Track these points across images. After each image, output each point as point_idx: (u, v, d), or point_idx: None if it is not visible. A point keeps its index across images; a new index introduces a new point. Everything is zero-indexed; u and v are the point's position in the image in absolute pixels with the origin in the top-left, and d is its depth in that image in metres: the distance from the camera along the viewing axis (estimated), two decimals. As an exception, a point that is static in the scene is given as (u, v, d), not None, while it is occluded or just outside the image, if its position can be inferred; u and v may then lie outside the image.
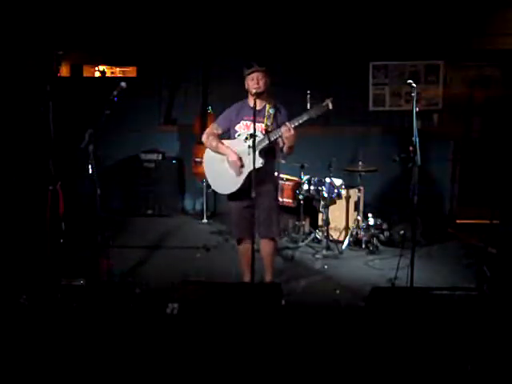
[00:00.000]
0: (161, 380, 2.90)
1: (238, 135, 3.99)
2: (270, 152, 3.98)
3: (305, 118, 3.73)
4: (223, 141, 4.09)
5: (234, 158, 3.93)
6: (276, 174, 4.29)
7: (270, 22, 6.64)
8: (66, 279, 3.98)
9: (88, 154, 3.57)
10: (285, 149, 3.92)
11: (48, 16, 6.24)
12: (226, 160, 4.01)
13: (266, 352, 2.85)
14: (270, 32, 6.65)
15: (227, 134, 4.12)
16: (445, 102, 6.78)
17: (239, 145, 3.96)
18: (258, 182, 3.84)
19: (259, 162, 3.78)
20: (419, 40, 6.60)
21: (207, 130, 4.18)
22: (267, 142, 3.85)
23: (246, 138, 3.89)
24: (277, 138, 3.84)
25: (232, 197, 4.06)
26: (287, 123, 3.74)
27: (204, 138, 4.15)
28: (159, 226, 6.38)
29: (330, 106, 3.69)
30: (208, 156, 4.16)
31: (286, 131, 3.73)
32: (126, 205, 6.92)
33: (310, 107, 3.75)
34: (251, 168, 3.75)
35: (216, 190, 4.16)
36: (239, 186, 3.94)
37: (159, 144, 7.05)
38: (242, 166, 3.92)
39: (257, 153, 3.76)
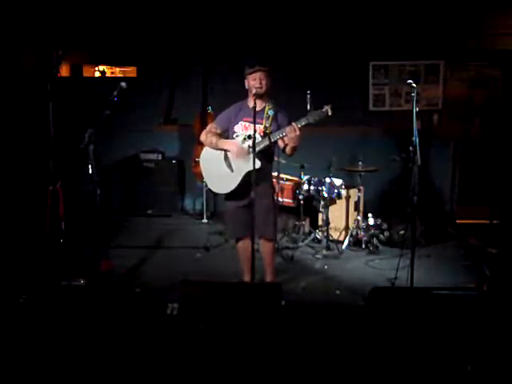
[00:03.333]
0: (161, 380, 2.90)
1: (236, 136, 3.98)
2: (266, 153, 3.97)
3: (303, 122, 3.69)
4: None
5: (235, 148, 3.91)
6: (273, 174, 4.28)
7: (270, 22, 6.63)
8: (66, 279, 3.98)
9: (88, 154, 3.57)
10: (287, 149, 3.90)
11: (48, 16, 6.24)
12: (223, 159, 4.01)
13: (266, 352, 2.85)
14: (270, 32, 6.64)
15: (225, 134, 4.12)
16: (445, 102, 6.79)
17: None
18: (255, 182, 3.85)
19: (257, 164, 3.76)
20: (419, 40, 6.59)
21: (206, 129, 4.16)
22: (267, 143, 3.83)
23: (244, 139, 3.89)
24: (277, 139, 3.84)
25: (228, 196, 4.06)
26: (293, 123, 3.70)
27: (202, 136, 4.12)
28: (159, 226, 6.38)
29: (330, 113, 3.65)
30: (205, 155, 4.15)
31: (291, 131, 3.68)
32: (125, 205, 6.91)
33: (309, 112, 3.70)
34: (248, 169, 3.76)
35: (212, 189, 4.16)
36: (235, 186, 3.94)
37: (159, 144, 7.05)
38: (249, 152, 3.85)
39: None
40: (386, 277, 4.61)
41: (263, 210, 4.00)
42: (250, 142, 3.78)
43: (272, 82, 3.95)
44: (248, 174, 3.79)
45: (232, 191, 3.98)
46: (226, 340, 2.89)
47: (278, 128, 3.85)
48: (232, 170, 3.97)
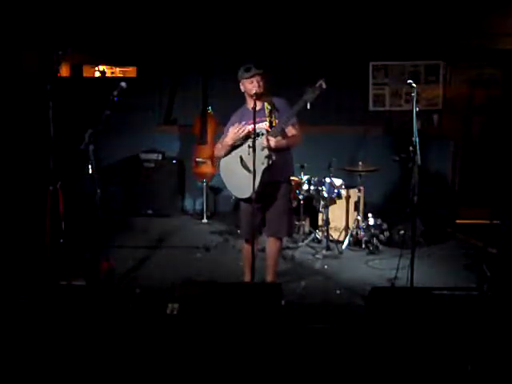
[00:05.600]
0: (161, 380, 2.90)
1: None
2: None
3: (302, 104, 3.72)
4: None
5: (234, 130, 3.95)
6: (291, 168, 4.28)
7: (270, 22, 6.63)
8: (66, 279, 3.98)
9: (88, 154, 3.57)
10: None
11: (49, 16, 6.24)
12: (239, 164, 4.00)
13: (266, 352, 2.85)
14: (270, 32, 6.65)
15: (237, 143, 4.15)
16: (445, 102, 6.79)
17: (246, 147, 3.95)
18: (272, 178, 3.90)
19: (266, 161, 3.82)
20: (419, 40, 6.59)
21: (216, 144, 4.26)
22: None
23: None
24: (278, 135, 3.87)
25: (246, 198, 4.05)
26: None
27: (215, 151, 4.26)
28: (159, 226, 6.38)
29: (324, 86, 3.68)
30: (223, 165, 4.18)
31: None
32: (125, 205, 6.91)
33: (305, 92, 3.70)
34: (264, 166, 3.81)
35: (235, 195, 4.12)
36: (257, 186, 3.86)
37: (159, 144, 7.05)
38: (262, 149, 3.89)
39: (265, 151, 3.82)
40: (386, 277, 4.61)
41: (279, 211, 4.06)
42: (258, 140, 3.81)
43: (267, 81, 4.02)
44: (265, 170, 3.81)
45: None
46: (226, 340, 2.89)
47: (283, 117, 3.91)
48: (250, 171, 3.94)
